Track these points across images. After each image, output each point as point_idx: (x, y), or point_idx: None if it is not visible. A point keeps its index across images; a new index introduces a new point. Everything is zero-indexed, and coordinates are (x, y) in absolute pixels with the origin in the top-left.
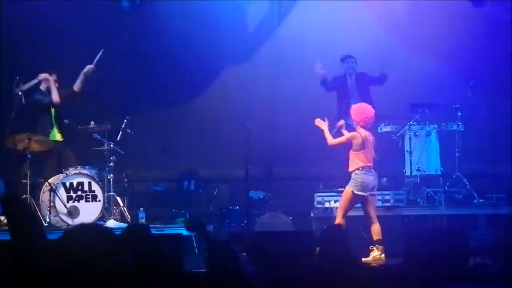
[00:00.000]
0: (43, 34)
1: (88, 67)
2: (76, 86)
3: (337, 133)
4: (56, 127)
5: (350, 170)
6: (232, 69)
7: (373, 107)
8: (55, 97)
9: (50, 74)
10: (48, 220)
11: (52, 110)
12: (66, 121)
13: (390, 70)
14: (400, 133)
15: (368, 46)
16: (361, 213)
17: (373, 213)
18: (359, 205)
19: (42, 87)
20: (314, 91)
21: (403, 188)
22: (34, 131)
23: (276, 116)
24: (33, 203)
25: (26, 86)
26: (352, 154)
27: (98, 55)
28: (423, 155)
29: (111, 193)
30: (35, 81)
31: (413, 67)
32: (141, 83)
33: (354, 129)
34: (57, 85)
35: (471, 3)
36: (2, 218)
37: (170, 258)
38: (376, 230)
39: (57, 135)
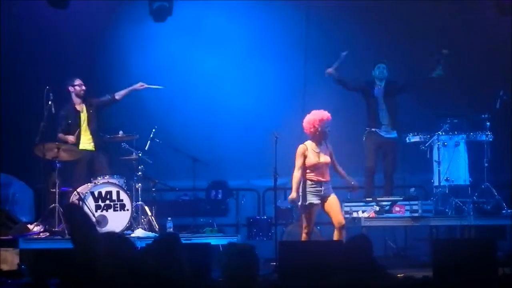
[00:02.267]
0: (72, 44)
1: (141, 84)
2: (119, 95)
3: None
4: (87, 136)
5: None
6: (259, 77)
7: (399, 116)
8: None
9: (74, 86)
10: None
11: (82, 119)
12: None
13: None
14: (428, 143)
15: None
16: (385, 222)
17: None
18: (386, 214)
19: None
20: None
21: (432, 198)
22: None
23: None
24: (61, 212)
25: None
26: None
27: (157, 86)
28: (452, 165)
29: (139, 202)
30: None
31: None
32: (169, 92)
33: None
34: (82, 93)
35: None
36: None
37: (199, 266)
38: None
39: (86, 144)
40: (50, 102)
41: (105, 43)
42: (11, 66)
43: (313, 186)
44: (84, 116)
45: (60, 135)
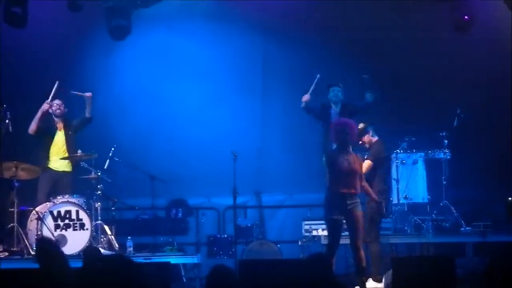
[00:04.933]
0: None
1: (87, 94)
2: (87, 112)
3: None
4: (60, 156)
5: (357, 192)
6: (218, 97)
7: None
8: (31, 127)
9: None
10: (35, 248)
11: (59, 138)
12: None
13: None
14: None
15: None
16: (345, 240)
17: None
18: (346, 232)
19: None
20: (303, 119)
21: (391, 216)
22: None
23: (264, 143)
24: (20, 232)
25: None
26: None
27: (54, 89)
28: (410, 183)
29: (99, 221)
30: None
31: (401, 93)
32: (128, 111)
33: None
34: (58, 112)
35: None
36: None
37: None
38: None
39: (58, 164)
40: (7, 121)
41: (65, 60)
42: None
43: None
44: (61, 136)
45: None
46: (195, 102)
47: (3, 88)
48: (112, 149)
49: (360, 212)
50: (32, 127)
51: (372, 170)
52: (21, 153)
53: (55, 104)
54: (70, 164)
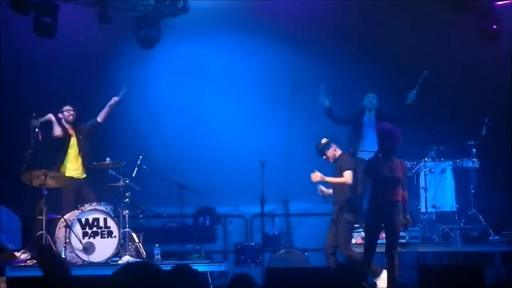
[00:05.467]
0: (59, 71)
1: (114, 99)
2: (100, 117)
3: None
4: (75, 164)
5: (399, 199)
6: (245, 107)
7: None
8: (57, 131)
9: (63, 112)
10: (63, 256)
11: (71, 145)
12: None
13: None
14: (415, 169)
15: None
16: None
17: None
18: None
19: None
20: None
21: (418, 224)
22: (49, 167)
23: (291, 152)
24: (48, 239)
25: (37, 123)
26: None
27: (123, 90)
28: (438, 191)
29: (127, 229)
30: (44, 118)
31: (429, 102)
32: (156, 119)
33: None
34: (71, 118)
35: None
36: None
37: None
38: None
39: (73, 172)
40: (37, 130)
41: (94, 71)
42: None
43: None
44: (74, 142)
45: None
46: (223, 112)
47: (34, 97)
48: (140, 157)
49: (400, 220)
50: (101, 117)
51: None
52: (50, 161)
53: (66, 110)
54: (80, 171)
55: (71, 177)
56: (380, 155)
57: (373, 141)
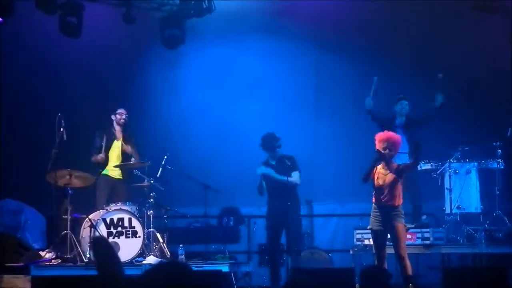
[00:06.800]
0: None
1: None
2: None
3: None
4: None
5: (397, 204)
6: (270, 108)
7: (419, 145)
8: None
9: (116, 114)
10: (88, 256)
11: (117, 146)
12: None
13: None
14: (440, 170)
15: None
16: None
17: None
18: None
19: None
20: (354, 128)
21: (443, 226)
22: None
23: (316, 152)
24: (73, 239)
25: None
26: (398, 186)
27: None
28: (463, 193)
29: (151, 229)
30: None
31: (454, 103)
32: (181, 119)
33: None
34: (122, 121)
35: None
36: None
37: None
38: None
39: (112, 171)
40: (62, 129)
41: (119, 71)
42: (24, 93)
43: (374, 210)
44: (119, 144)
45: (94, 157)
46: (248, 113)
47: (59, 97)
48: (165, 157)
49: (402, 223)
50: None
51: None
52: (75, 161)
53: (119, 113)
54: (121, 172)
55: (106, 175)
56: (377, 163)
57: (403, 144)
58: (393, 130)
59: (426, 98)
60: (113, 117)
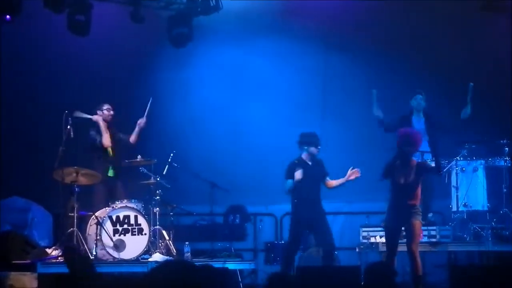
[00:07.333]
0: (93, 69)
1: (141, 120)
2: (132, 139)
3: None
4: (112, 164)
5: (416, 202)
6: (278, 108)
7: (437, 143)
8: (106, 141)
9: (102, 110)
10: (94, 253)
11: (109, 149)
12: None
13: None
14: (447, 168)
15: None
16: (403, 248)
17: None
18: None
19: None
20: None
21: (450, 223)
22: (84, 166)
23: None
24: (80, 236)
25: (79, 115)
26: (419, 185)
27: (148, 107)
28: (470, 190)
29: (157, 226)
30: (88, 116)
31: (461, 101)
32: (187, 117)
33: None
34: (109, 118)
35: None
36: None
37: None
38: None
39: (110, 171)
40: (68, 127)
41: (127, 69)
42: (30, 91)
43: (392, 207)
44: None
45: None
46: (255, 113)
47: (66, 95)
48: (171, 155)
49: (419, 221)
50: (133, 139)
51: None
52: (82, 159)
53: (107, 109)
54: (112, 170)
55: (103, 175)
56: (397, 161)
57: (423, 141)
58: (411, 127)
59: (436, 99)
60: (99, 112)
